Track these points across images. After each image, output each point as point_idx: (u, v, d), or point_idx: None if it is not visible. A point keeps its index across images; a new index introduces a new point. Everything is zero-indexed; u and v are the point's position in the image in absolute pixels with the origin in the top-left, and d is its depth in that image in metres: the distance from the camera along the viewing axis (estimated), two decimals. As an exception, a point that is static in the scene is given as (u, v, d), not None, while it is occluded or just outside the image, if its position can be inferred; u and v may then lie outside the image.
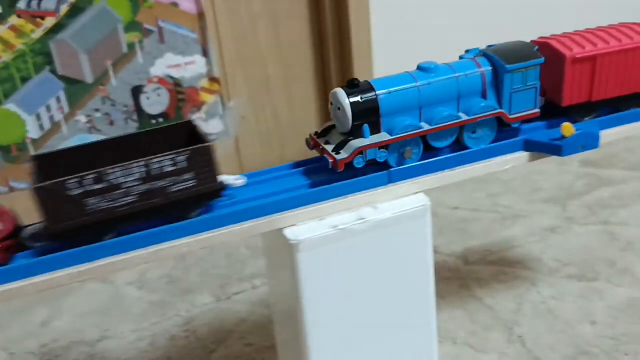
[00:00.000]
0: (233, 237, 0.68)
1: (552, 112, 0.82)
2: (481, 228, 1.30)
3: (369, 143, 0.70)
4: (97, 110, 1.28)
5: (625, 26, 0.85)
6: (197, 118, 1.37)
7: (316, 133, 0.76)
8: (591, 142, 0.77)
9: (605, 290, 1.09)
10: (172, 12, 1.27)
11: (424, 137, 0.74)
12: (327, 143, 0.73)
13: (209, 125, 1.39)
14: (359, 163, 0.70)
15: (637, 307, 1.05)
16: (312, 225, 0.69)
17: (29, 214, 0.67)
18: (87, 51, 1.23)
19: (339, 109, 0.71)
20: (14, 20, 1.16)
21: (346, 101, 0.70)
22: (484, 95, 0.76)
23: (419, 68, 0.75)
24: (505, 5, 1.61)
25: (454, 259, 1.21)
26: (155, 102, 1.32)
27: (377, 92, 0.71)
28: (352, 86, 0.71)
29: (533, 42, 0.84)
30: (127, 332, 1.10)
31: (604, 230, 1.26)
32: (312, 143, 0.75)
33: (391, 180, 0.73)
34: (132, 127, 1.31)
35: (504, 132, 0.79)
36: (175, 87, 1.33)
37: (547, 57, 0.79)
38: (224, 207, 0.69)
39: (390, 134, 0.71)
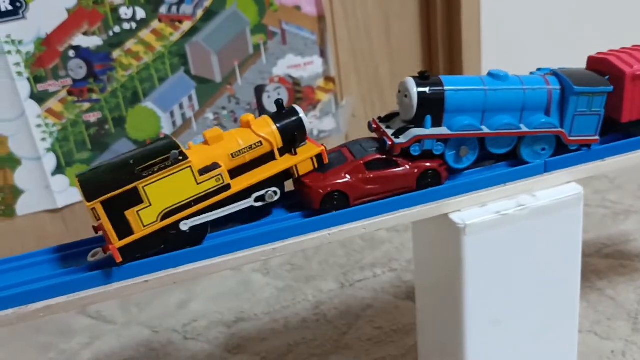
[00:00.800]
0: (403, 221, 0.75)
1: (609, 127, 0.82)
2: (593, 222, 1.33)
3: (428, 133, 0.73)
4: (223, 108, 1.36)
5: None
6: (312, 116, 1.44)
7: (379, 117, 0.80)
8: None
9: None
10: (294, 14, 1.34)
11: (481, 141, 0.76)
12: (388, 127, 0.76)
13: (323, 123, 1.46)
14: (415, 150, 0.73)
15: None
16: (475, 211, 0.75)
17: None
18: (217, 52, 1.32)
19: (406, 96, 0.73)
20: (155, 24, 1.26)
21: (414, 90, 0.72)
22: (547, 112, 0.77)
23: (490, 74, 0.77)
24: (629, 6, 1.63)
25: (570, 252, 1.24)
26: (276, 100, 1.40)
27: (445, 87, 0.73)
28: (423, 77, 0.74)
29: (591, 57, 0.85)
30: (261, 315, 1.18)
31: None
32: (374, 125, 0.78)
33: (547, 169, 0.78)
34: (254, 124, 1.39)
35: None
36: (294, 86, 1.40)
37: (606, 73, 0.80)
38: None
39: (450, 130, 0.74)
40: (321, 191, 0.71)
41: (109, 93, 1.27)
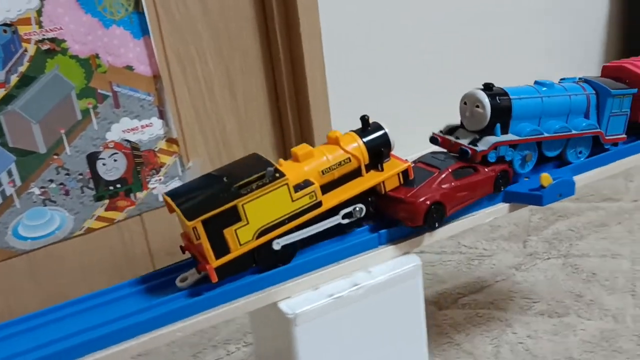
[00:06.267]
0: (228, 316, 0.67)
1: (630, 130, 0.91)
2: (449, 270, 1.32)
3: (504, 139, 0.78)
4: (51, 180, 1.23)
5: None
6: (156, 180, 1.34)
7: (440, 131, 0.84)
8: (568, 190, 0.80)
9: (577, 324, 1.12)
10: (126, 75, 1.25)
11: (539, 145, 0.82)
12: (457, 138, 0.80)
13: (169, 187, 1.36)
14: (491, 157, 0.77)
15: (610, 340, 1.08)
16: (307, 296, 0.69)
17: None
18: (39, 121, 1.19)
19: (478, 106, 0.78)
20: (-40, 94, 1.11)
21: (486, 100, 0.77)
22: (586, 116, 0.86)
23: (537, 83, 0.85)
24: (460, 48, 1.68)
25: (428, 305, 1.21)
26: (112, 168, 1.28)
27: (511, 97, 0.79)
28: (489, 89, 0.79)
29: (605, 66, 0.93)
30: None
31: (565, 263, 1.31)
32: (440, 140, 0.82)
33: (381, 242, 0.74)
34: (89, 195, 1.27)
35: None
36: (133, 151, 1.30)
37: (622, 79, 0.88)
38: (215, 286, 0.67)
39: (519, 137, 0.79)
40: (428, 202, 0.71)
41: None
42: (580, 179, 0.84)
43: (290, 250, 0.69)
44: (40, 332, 0.65)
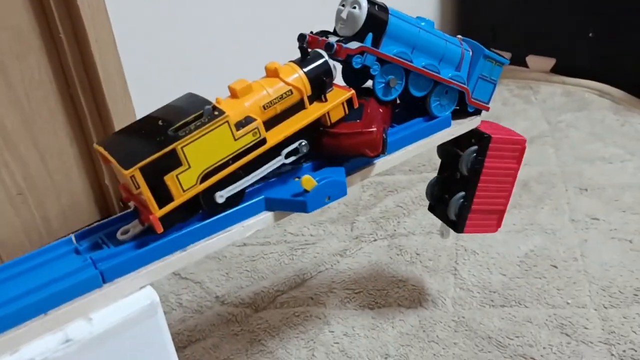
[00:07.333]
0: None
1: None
2: (270, 264, 1.21)
3: (373, 49, 0.73)
4: None
5: None
6: None
7: (311, 32, 0.77)
8: (337, 191, 0.70)
9: (396, 315, 1.05)
10: None
11: (406, 79, 0.78)
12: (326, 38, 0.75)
13: (-64, 199, 1.15)
14: (356, 63, 0.72)
15: (428, 329, 1.02)
16: (2, 364, 0.54)
17: None
18: None
19: (355, 7, 0.73)
20: None
21: (365, 3, 0.73)
22: (457, 69, 0.82)
23: (418, 17, 0.80)
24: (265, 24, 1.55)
25: (243, 309, 1.10)
26: None
27: (390, 13, 0.75)
28: None
29: None
30: None
31: (391, 245, 1.24)
32: (309, 38, 0.75)
33: (106, 279, 0.60)
34: None
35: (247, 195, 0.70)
36: None
37: None
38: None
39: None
40: (381, 130, 0.70)
41: None
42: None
43: (238, 193, 0.65)
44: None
